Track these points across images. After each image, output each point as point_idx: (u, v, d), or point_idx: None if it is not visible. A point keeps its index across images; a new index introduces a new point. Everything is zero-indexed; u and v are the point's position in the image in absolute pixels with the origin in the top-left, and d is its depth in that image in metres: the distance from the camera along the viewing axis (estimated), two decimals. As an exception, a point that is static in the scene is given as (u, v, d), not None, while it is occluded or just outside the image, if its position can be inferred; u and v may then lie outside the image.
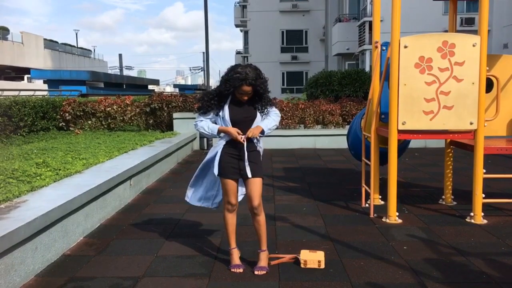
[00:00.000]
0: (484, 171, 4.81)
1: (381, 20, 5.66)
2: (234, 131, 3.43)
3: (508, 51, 21.72)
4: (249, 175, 3.48)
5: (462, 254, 3.88)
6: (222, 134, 3.53)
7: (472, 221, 4.81)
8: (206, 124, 3.52)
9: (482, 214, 4.82)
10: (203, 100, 3.54)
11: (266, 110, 3.55)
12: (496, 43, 22.86)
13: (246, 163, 3.47)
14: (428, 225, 4.72)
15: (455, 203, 5.55)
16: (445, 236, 4.38)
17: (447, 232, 4.50)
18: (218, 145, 3.55)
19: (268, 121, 3.55)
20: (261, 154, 3.65)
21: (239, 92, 3.39)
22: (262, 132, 3.50)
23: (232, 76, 3.35)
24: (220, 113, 3.49)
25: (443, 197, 5.64)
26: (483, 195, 4.81)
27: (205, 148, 11.30)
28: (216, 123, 3.54)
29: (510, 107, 5.30)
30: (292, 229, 4.68)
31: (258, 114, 3.52)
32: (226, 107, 3.48)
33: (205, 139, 11.24)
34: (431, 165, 8.41)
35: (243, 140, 3.44)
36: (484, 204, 4.84)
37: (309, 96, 16.15)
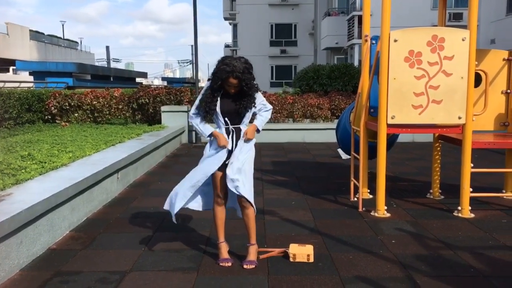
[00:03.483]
0: (472, 165, 4.85)
1: (370, 14, 5.65)
2: (223, 139, 3.45)
3: (495, 46, 21.87)
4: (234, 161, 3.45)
5: (450, 248, 3.90)
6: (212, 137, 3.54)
7: (460, 215, 4.84)
8: (200, 122, 3.55)
9: (470, 208, 4.86)
10: (203, 105, 3.47)
11: (253, 107, 3.50)
12: (483, 38, 23.03)
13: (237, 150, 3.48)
14: (416, 219, 4.74)
15: (442, 197, 5.59)
16: (433, 230, 4.40)
17: (435, 226, 4.52)
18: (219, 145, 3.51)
19: (261, 119, 3.58)
20: (253, 155, 3.59)
21: (227, 84, 3.36)
22: (258, 130, 3.54)
23: (219, 68, 3.32)
24: None
25: (431, 191, 5.67)
26: (471, 189, 4.84)
27: (194, 141, 11.23)
28: None
29: (498, 102, 5.33)
30: (281, 223, 4.67)
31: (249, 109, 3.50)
32: (218, 99, 3.46)
33: (193, 133, 11.18)
34: (419, 159, 8.46)
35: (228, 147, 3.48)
36: (471, 198, 4.87)
37: (300, 90, 16.10)
